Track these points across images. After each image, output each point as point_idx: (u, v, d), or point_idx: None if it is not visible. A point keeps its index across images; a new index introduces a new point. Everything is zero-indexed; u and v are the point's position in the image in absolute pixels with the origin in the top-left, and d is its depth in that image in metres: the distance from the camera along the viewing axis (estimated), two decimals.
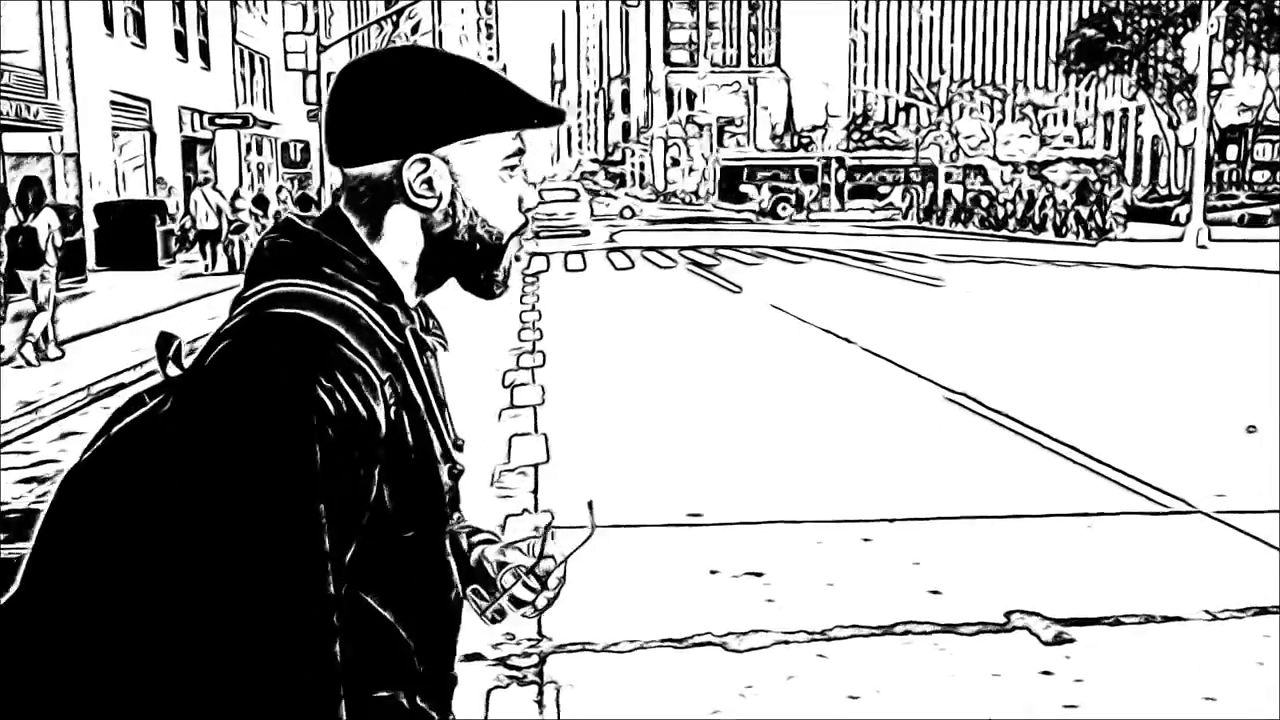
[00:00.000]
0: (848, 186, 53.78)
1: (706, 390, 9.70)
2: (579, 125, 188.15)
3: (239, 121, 34.08)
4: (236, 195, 25.18)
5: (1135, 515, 6.05)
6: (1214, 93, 31.05)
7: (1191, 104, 47.53)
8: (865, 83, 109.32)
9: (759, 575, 5.16)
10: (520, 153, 1.40)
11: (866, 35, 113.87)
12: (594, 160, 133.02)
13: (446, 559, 1.41)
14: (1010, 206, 38.56)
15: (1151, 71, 45.14)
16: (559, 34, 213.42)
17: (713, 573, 5.21)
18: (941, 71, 73.25)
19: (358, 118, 1.34)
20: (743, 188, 52.97)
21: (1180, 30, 38.26)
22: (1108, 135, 77.00)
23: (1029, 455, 7.35)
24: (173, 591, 1.19)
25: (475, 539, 1.59)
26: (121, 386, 9.73)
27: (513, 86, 1.38)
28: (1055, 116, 74.67)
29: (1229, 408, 8.70)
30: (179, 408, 1.24)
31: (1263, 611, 4.67)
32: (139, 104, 29.38)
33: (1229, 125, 46.65)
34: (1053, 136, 74.15)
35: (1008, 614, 4.66)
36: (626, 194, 58.30)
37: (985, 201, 41.01)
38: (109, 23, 27.42)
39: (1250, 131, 47.38)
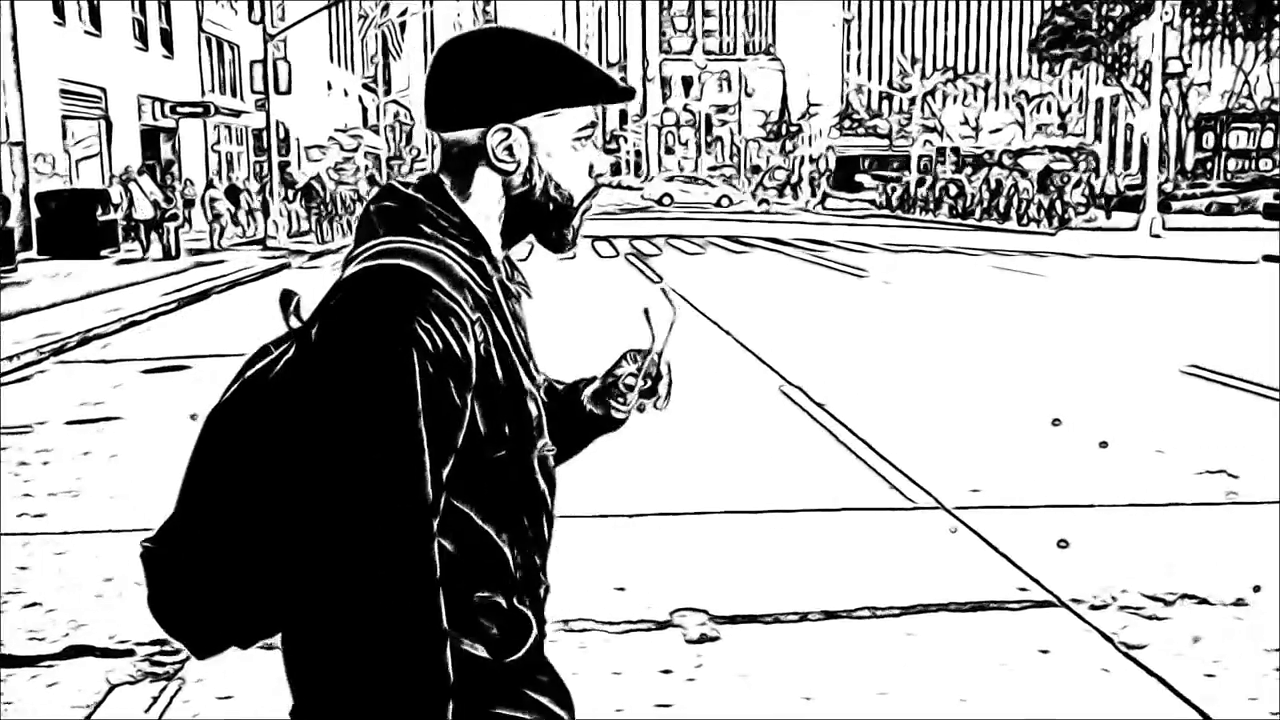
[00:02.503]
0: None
1: None
2: None
3: (200, 110, 33.99)
4: (168, 185, 25.26)
5: (878, 510, 6.01)
6: (1171, 80, 30.81)
7: (1164, 91, 47.32)
8: (859, 71, 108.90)
9: None
10: (593, 125, 1.58)
11: (848, 22, 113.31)
12: None
13: (535, 478, 1.58)
14: (976, 195, 38.43)
15: (1123, 60, 44.91)
16: (559, 22, 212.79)
17: None
18: (914, 62, 72.93)
19: (451, 89, 1.54)
20: (858, 177, 52.13)
21: (1142, 17, 37.99)
22: (1098, 123, 76.70)
23: (818, 448, 7.31)
24: (303, 501, 1.40)
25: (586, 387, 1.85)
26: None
27: (587, 65, 1.56)
28: (1045, 105, 74.36)
29: (1049, 401, 8.64)
30: (304, 348, 1.45)
31: (937, 609, 4.64)
32: (94, 93, 29.35)
33: (1203, 113, 46.43)
34: (1044, 125, 73.94)
35: (672, 611, 4.63)
36: (725, 182, 58.01)
37: (954, 190, 40.87)
38: (59, 11, 27.38)
39: (1224, 119, 47.16)
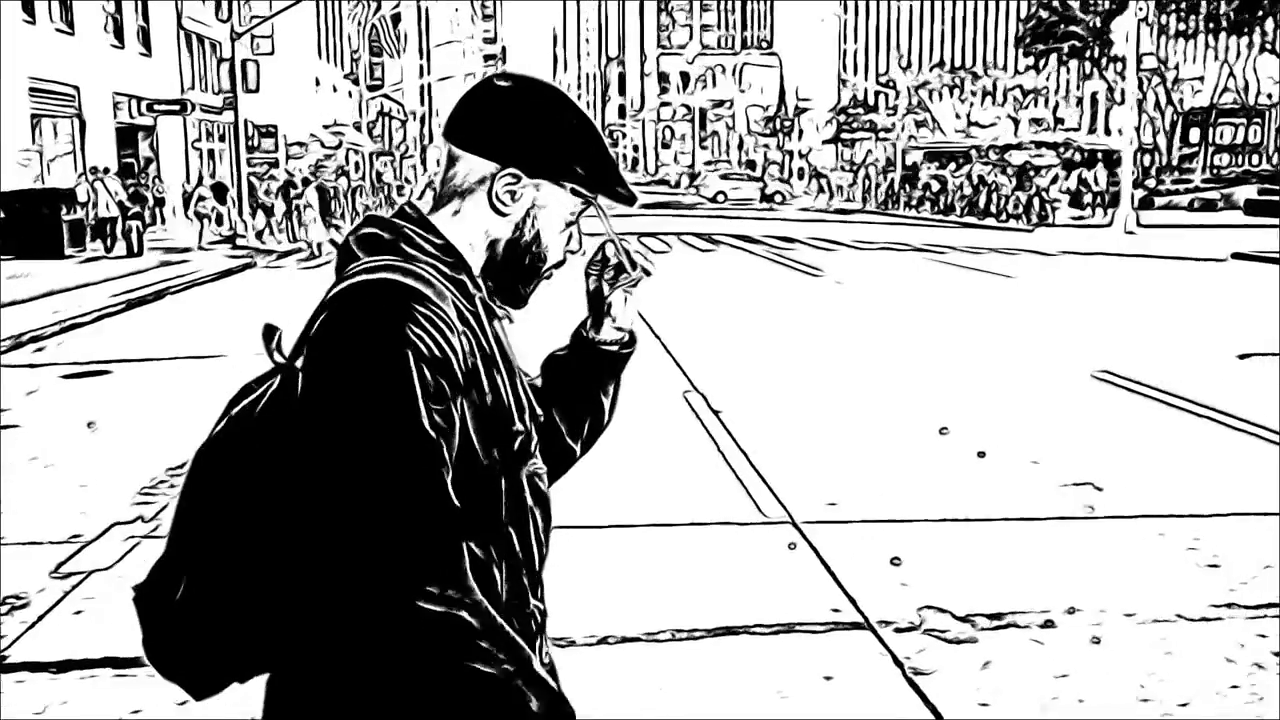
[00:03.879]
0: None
1: None
2: None
3: (177, 108, 33.89)
4: (139, 184, 25.20)
5: (727, 525, 5.93)
6: (1154, 75, 30.65)
7: (1143, 86, 47.10)
8: (852, 69, 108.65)
9: None
10: (586, 209, 1.63)
11: (838, 18, 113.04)
12: None
13: (523, 495, 1.57)
14: (958, 192, 38.31)
15: (1106, 55, 44.70)
16: (559, 16, 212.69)
17: None
18: (904, 64, 72.71)
19: (488, 114, 1.56)
20: (922, 174, 51.43)
21: (1117, 10, 37.81)
22: (1092, 119, 76.43)
23: (696, 459, 7.23)
24: (309, 527, 1.38)
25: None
26: None
27: (614, 164, 1.62)
28: (1037, 100, 74.11)
29: (948, 408, 8.56)
30: (291, 378, 1.45)
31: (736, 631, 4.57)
32: (66, 91, 29.29)
33: (1190, 108, 46.23)
34: (1040, 120, 73.69)
35: None
36: (775, 178, 57.90)
37: (936, 186, 40.74)
38: (29, 10, 27.31)
39: (1210, 114, 46.95)
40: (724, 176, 57.79)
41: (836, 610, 4.75)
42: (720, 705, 3.95)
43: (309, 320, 1.46)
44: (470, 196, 1.57)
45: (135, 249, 23.64)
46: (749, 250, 24.48)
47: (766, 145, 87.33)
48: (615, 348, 1.79)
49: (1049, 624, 4.59)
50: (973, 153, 47.82)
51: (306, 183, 24.47)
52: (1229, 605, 4.76)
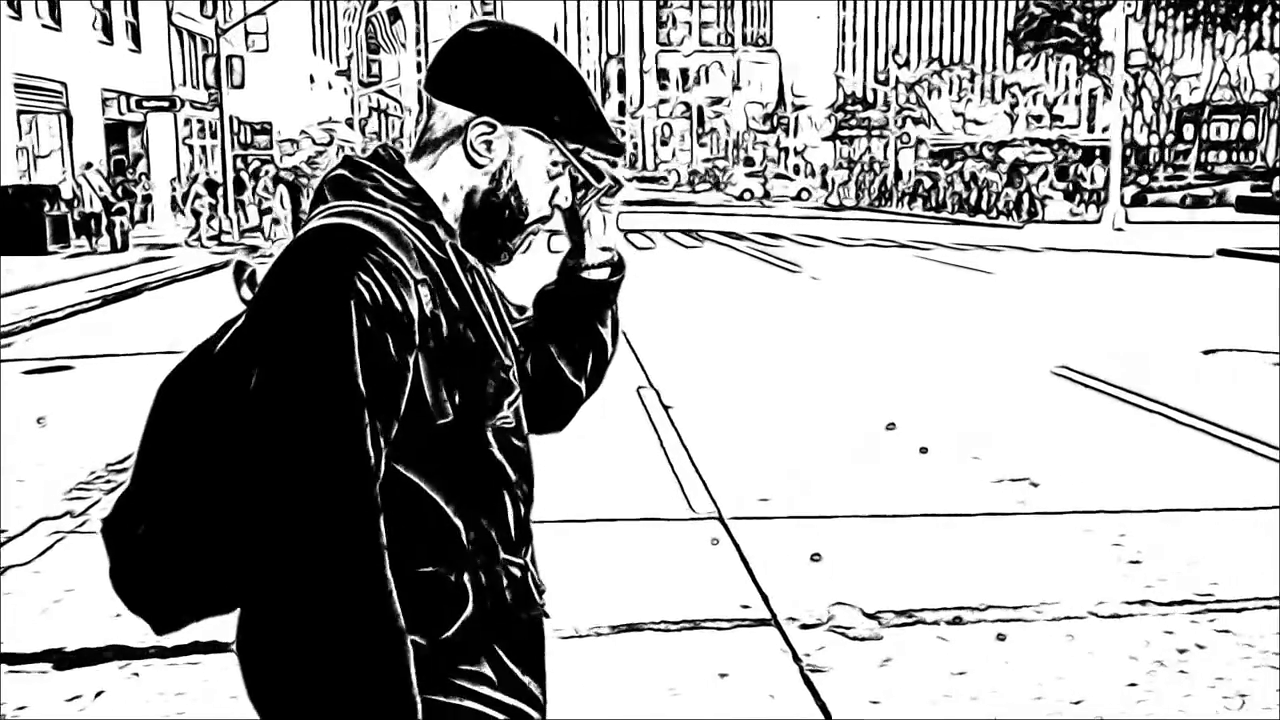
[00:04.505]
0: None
1: None
2: None
3: (166, 104, 33.85)
4: (126, 180, 25.14)
5: (656, 521, 5.88)
6: (1147, 72, 30.54)
7: (1139, 82, 47.00)
8: (848, 66, 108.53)
9: None
10: (570, 162, 1.55)
11: (838, 15, 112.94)
12: None
13: (489, 449, 1.52)
14: (950, 189, 38.26)
15: (1099, 51, 44.57)
16: (560, 13, 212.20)
17: None
18: (894, 54, 72.44)
19: (464, 62, 1.51)
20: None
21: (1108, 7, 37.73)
22: (1091, 115, 76.34)
23: (640, 455, 7.18)
24: (247, 468, 1.37)
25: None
26: None
27: (599, 113, 1.55)
28: (1039, 97, 73.99)
29: (900, 403, 8.50)
30: (249, 306, 1.44)
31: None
32: (53, 87, 29.24)
33: (1184, 105, 46.10)
34: (1038, 117, 73.60)
35: None
36: (806, 176, 57.93)
37: (928, 183, 40.68)
38: (15, 6, 27.26)
39: (1205, 111, 46.84)
40: (750, 174, 57.58)
41: (746, 607, 4.70)
42: (608, 704, 3.90)
43: (276, 257, 1.45)
44: (446, 147, 1.52)
45: (120, 245, 23.61)
46: (732, 246, 24.44)
47: (764, 142, 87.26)
48: (604, 274, 1.71)
49: (957, 620, 4.54)
50: (967, 149, 47.75)
51: (277, 180, 24.37)
52: (1142, 602, 4.70)
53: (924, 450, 7.12)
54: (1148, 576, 4.99)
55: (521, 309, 1.75)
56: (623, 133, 1.64)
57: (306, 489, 1.34)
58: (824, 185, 54.30)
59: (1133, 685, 3.97)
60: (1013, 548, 5.45)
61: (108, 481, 6.76)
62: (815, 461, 7.00)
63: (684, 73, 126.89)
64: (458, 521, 1.49)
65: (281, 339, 1.36)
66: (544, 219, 1.59)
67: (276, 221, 23.86)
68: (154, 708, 3.87)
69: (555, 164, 1.54)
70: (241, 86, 26.56)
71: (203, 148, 41.42)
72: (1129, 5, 28.68)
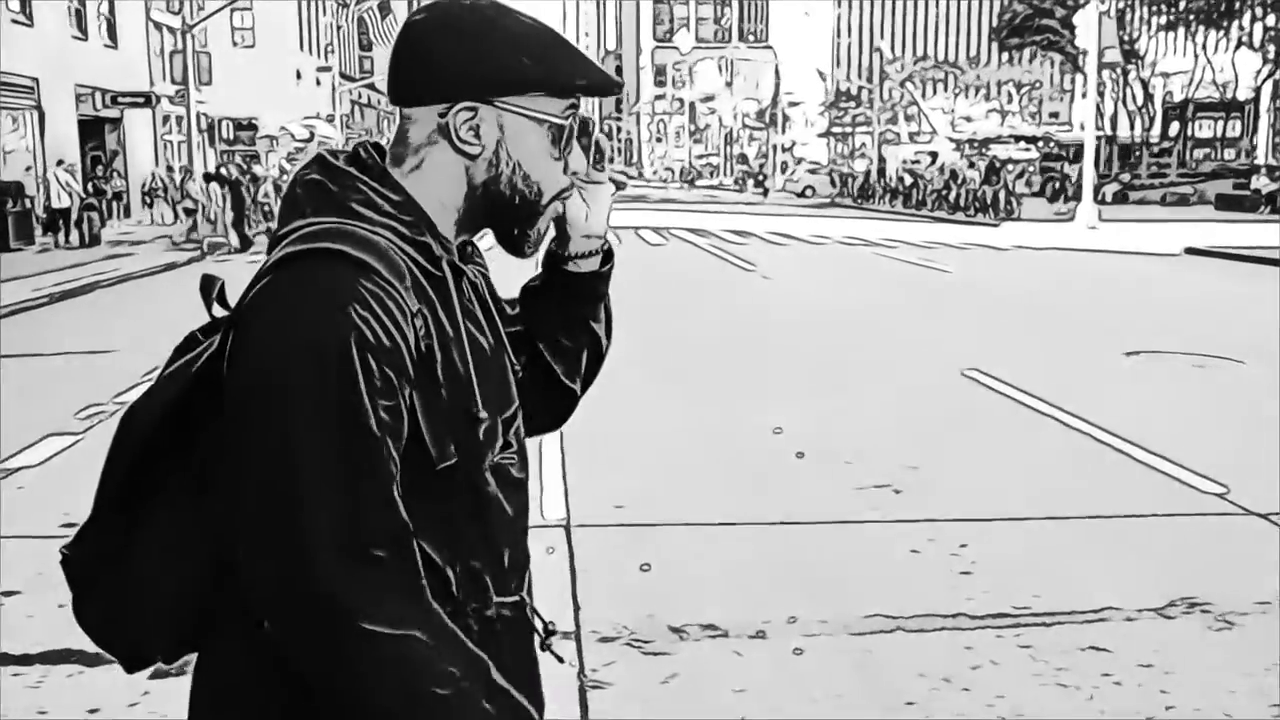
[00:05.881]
0: None
1: None
2: None
3: (142, 100, 33.75)
4: (99, 176, 25.07)
5: None
6: (1118, 68, 30.40)
7: (1124, 79, 46.87)
8: (842, 64, 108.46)
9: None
10: (574, 110, 1.40)
11: (834, 12, 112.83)
12: None
13: (486, 490, 1.39)
14: (929, 186, 38.17)
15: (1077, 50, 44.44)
16: (559, 9, 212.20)
17: None
18: (875, 50, 72.16)
19: (415, 59, 1.36)
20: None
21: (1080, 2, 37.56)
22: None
23: None
24: (236, 514, 1.25)
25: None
26: None
27: (573, 50, 1.39)
28: (1025, 93, 73.81)
29: (796, 410, 8.41)
30: (230, 345, 1.27)
31: None
32: (24, 83, 29.14)
33: (1169, 103, 45.92)
34: (1034, 114, 73.48)
35: None
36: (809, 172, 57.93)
37: (909, 180, 40.59)
38: None
39: (1188, 108, 46.68)
40: (811, 171, 57.43)
41: (552, 623, 4.61)
42: None
43: (251, 281, 1.29)
44: (431, 149, 1.36)
45: (89, 240, 23.60)
46: (695, 244, 24.33)
47: (758, 139, 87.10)
48: (594, 264, 1.57)
49: (760, 634, 4.44)
50: (948, 144, 47.67)
51: (208, 178, 24.25)
52: (955, 615, 4.61)
53: (800, 455, 7.03)
54: (972, 588, 4.89)
55: (512, 303, 1.62)
56: (620, 85, 1.40)
57: (351, 561, 1.21)
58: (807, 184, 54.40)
59: (910, 704, 3.88)
60: (851, 558, 5.36)
61: None
62: (685, 468, 6.91)
63: (679, 69, 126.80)
64: (449, 572, 1.36)
65: (275, 392, 1.22)
66: (563, 191, 1.43)
67: (209, 220, 23.62)
68: None
69: (553, 126, 1.38)
70: (209, 83, 26.42)
71: (180, 143, 41.33)
72: (1103, 3, 28.51)
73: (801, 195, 52.15)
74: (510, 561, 1.45)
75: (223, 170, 24.75)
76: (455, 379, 1.32)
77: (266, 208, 27.03)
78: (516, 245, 1.43)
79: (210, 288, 1.37)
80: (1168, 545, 5.48)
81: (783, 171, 56.84)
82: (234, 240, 23.29)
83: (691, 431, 7.79)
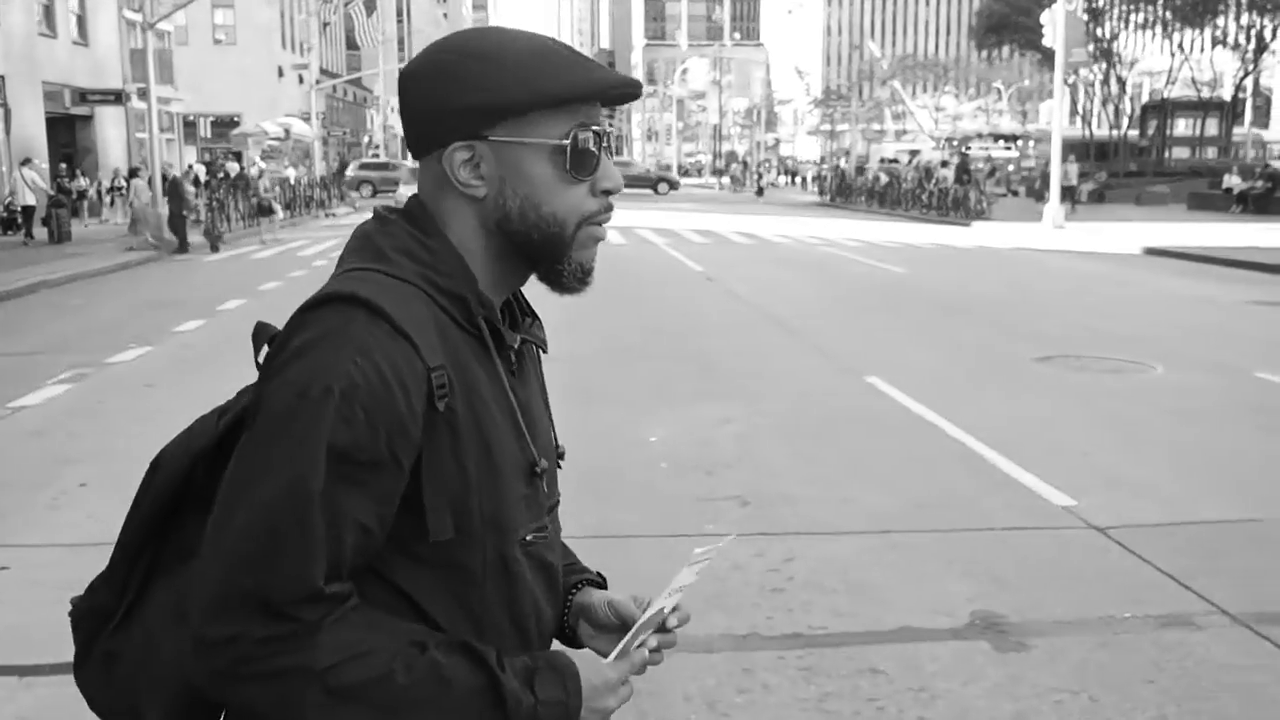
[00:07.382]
0: None
1: None
2: None
3: (113, 97, 33.65)
4: (68, 174, 24.98)
5: None
6: (1093, 67, 30.24)
7: (1106, 76, 46.79)
8: (840, 59, 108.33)
9: None
10: (580, 129, 1.28)
11: (790, 11, 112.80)
12: None
13: (518, 568, 1.32)
14: (904, 185, 38.11)
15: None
16: (555, 7, 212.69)
17: None
18: (855, 48, 72.07)
19: (406, 109, 1.31)
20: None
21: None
22: (1072, 111, 75.99)
23: None
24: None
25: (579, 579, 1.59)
26: None
27: (561, 59, 1.27)
28: (1016, 92, 73.68)
29: (679, 421, 8.33)
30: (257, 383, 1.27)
31: None
32: None
33: (1147, 102, 45.81)
34: (1023, 113, 73.28)
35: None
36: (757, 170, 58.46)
37: (885, 180, 40.52)
38: None
39: (1166, 107, 46.57)
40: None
41: None
42: None
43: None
44: (443, 198, 1.30)
45: (59, 238, 23.62)
46: (654, 243, 24.23)
47: (747, 136, 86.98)
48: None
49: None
50: (930, 143, 47.57)
51: (134, 173, 24.15)
52: (748, 635, 4.53)
53: (664, 465, 6.95)
54: (776, 606, 4.81)
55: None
56: (635, 83, 1.34)
57: (257, 595, 1.17)
58: (792, 181, 54.29)
59: None
60: (670, 573, 5.26)
61: None
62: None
63: (671, 67, 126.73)
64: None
65: (266, 422, 1.19)
66: (591, 216, 1.31)
67: (135, 222, 23.45)
68: None
69: (558, 147, 1.27)
70: (170, 81, 26.33)
71: (166, 140, 41.22)
72: (1070, 2, 28.39)
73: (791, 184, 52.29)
74: (539, 644, 1.39)
75: (168, 170, 24.72)
76: (484, 443, 1.25)
77: (256, 201, 26.97)
78: (557, 283, 1.34)
79: (262, 337, 1.28)
80: (996, 561, 5.40)
81: (770, 171, 56.72)
82: (169, 237, 23.19)
83: (581, 439, 7.68)
